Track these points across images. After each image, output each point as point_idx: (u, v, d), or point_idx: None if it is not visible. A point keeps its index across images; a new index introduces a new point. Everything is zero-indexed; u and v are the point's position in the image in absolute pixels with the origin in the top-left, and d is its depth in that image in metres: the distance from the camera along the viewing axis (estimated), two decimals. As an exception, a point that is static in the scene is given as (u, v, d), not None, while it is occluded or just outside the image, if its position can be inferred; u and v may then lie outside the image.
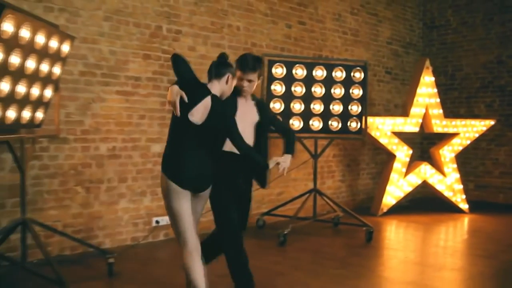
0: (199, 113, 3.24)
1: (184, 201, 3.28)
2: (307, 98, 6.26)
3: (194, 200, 3.41)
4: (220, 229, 3.70)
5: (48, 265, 4.11)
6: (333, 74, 6.36)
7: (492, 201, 9.10)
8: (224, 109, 3.39)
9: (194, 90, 3.29)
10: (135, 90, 5.67)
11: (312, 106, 6.30)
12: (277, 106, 6.13)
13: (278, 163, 3.58)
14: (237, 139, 3.41)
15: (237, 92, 3.70)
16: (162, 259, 5.30)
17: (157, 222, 5.87)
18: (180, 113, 3.20)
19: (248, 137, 3.67)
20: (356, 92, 6.47)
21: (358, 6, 8.52)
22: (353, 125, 6.50)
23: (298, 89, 6.23)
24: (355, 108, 6.49)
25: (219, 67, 3.45)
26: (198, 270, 3.34)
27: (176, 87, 3.24)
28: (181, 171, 3.26)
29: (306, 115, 6.27)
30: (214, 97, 3.34)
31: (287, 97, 6.17)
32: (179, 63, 3.48)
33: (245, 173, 3.79)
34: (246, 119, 3.71)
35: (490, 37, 9.26)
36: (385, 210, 7.82)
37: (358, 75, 6.47)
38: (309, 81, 6.27)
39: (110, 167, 5.50)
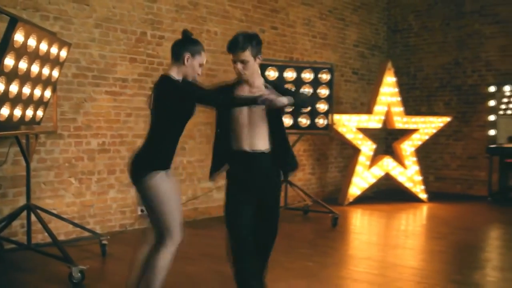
0: (151, 100, 3.20)
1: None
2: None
3: None
4: (229, 252, 3.37)
5: (50, 246, 4.66)
6: (302, 75, 7.00)
7: (450, 192, 9.87)
8: (173, 86, 3.12)
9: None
10: (122, 91, 6.22)
11: (283, 104, 6.92)
12: (251, 104, 6.74)
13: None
14: (206, 98, 3.21)
15: (239, 80, 3.40)
16: (135, 243, 5.87)
17: (142, 210, 6.43)
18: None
19: (257, 129, 3.32)
20: (323, 91, 7.12)
21: (326, 12, 9.18)
22: (321, 122, 7.14)
23: (271, 89, 6.85)
24: (322, 106, 7.13)
25: (175, 47, 3.20)
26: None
27: None
28: None
29: (278, 112, 6.89)
30: (162, 79, 3.17)
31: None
32: None
33: (267, 177, 3.36)
34: (245, 108, 3.33)
35: (448, 40, 10.01)
36: (351, 200, 8.50)
37: (325, 76, 7.11)
38: (280, 81, 6.89)
39: (100, 160, 6.05)
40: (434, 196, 9.11)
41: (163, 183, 3.19)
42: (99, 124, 6.02)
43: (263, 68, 6.76)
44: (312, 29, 8.88)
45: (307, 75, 7.03)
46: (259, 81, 3.39)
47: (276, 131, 3.37)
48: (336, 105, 8.11)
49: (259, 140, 3.34)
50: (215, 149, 3.57)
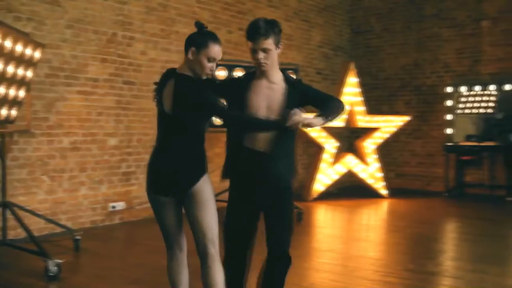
0: (166, 100, 2.86)
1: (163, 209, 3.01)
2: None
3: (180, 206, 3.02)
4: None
5: (23, 242, 4.81)
6: (269, 76, 7.26)
7: (410, 188, 10.29)
8: (194, 86, 2.81)
9: (162, 78, 2.96)
10: (93, 90, 6.38)
11: (250, 104, 7.18)
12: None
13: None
14: (226, 116, 2.89)
15: (256, 72, 3.03)
16: (119, 238, 6.07)
17: (113, 207, 6.59)
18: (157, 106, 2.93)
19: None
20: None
21: (292, 14, 9.46)
22: (286, 120, 7.41)
23: (238, 89, 7.10)
24: (288, 106, 7.41)
25: (186, 41, 2.89)
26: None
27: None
28: (148, 172, 2.98)
29: (245, 112, 7.14)
30: (178, 77, 2.86)
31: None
32: None
33: (273, 180, 3.04)
34: (265, 104, 2.97)
35: (408, 42, 10.43)
36: (315, 196, 8.81)
37: (291, 77, 7.39)
38: (247, 82, 7.13)
39: (72, 158, 6.19)
40: (395, 192, 9.50)
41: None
42: (71, 123, 6.16)
43: (230, 68, 7.00)
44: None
45: (273, 76, 7.29)
46: (278, 76, 3.05)
47: (283, 140, 3.01)
48: (301, 104, 8.38)
49: (268, 141, 2.99)
50: (229, 147, 3.17)
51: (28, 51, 4.83)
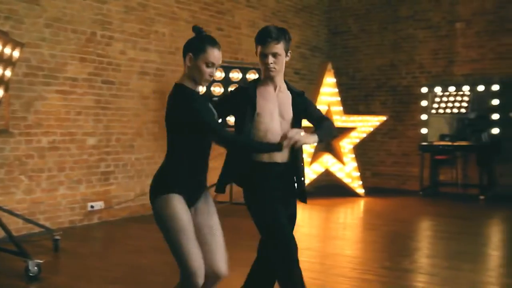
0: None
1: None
2: (225, 97, 7.19)
3: None
4: (268, 241, 3.15)
5: (3, 243, 4.79)
6: (247, 75, 7.33)
7: (386, 187, 10.46)
8: (185, 99, 2.67)
9: None
10: (72, 90, 6.36)
11: (229, 104, 7.23)
12: (199, 104, 7.01)
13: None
14: (221, 135, 2.73)
15: (263, 78, 3.03)
16: (98, 238, 6.07)
17: (91, 207, 6.58)
18: None
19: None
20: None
21: (270, 14, 9.53)
22: (265, 120, 7.49)
23: (217, 89, 7.14)
24: (266, 106, 7.48)
25: (183, 48, 2.78)
26: None
27: None
28: None
29: (224, 112, 7.19)
30: (174, 87, 2.75)
31: (209, 96, 7.07)
32: None
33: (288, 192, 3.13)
34: (277, 111, 2.99)
35: (384, 43, 10.59)
36: (293, 195, 8.89)
37: (269, 77, 7.46)
38: (226, 82, 7.19)
39: (50, 158, 6.17)
40: (371, 191, 9.64)
41: (172, 207, 2.67)
42: (49, 122, 6.13)
43: (210, 68, 7.03)
44: (257, 30, 9.14)
45: (252, 76, 7.36)
46: (283, 84, 3.07)
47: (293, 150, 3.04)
48: (279, 104, 8.46)
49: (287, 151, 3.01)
50: (230, 158, 3.15)
51: (7, 50, 4.81)
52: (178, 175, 2.71)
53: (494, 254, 5.64)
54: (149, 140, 7.29)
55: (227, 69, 7.19)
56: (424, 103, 9.85)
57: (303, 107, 3.09)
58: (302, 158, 3.17)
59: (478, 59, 9.52)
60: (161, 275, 4.48)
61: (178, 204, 2.65)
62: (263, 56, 2.92)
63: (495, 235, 6.79)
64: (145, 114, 7.21)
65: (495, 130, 9.09)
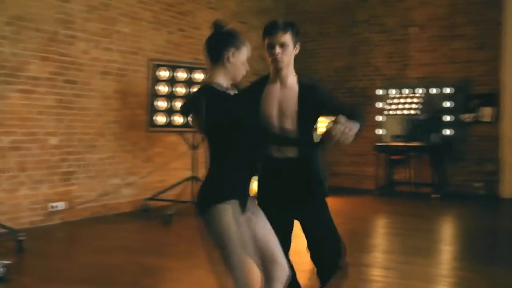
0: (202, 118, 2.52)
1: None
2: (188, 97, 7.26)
3: None
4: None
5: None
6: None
7: (343, 186, 10.71)
8: (220, 100, 2.49)
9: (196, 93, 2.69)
10: (34, 89, 6.29)
11: (192, 104, 7.29)
12: (161, 104, 7.05)
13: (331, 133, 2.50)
14: (265, 135, 2.67)
15: (269, 75, 2.92)
16: (62, 238, 6.04)
17: (53, 207, 6.52)
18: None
19: (292, 131, 2.81)
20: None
21: (230, 16, 9.63)
22: (227, 121, 7.59)
23: (180, 90, 7.20)
24: (228, 107, 7.58)
25: (211, 45, 2.60)
26: None
27: None
28: None
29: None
30: (208, 90, 2.53)
31: (171, 96, 7.12)
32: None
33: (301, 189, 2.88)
34: (276, 110, 2.84)
35: (341, 46, 10.86)
36: (252, 194, 9.01)
37: (231, 79, 7.57)
38: (189, 82, 7.26)
39: (12, 158, 6.09)
40: (331, 190, 9.85)
41: (229, 217, 2.49)
42: (11, 122, 6.06)
43: (172, 69, 7.09)
44: (217, 32, 9.28)
45: (215, 77, 7.44)
46: (292, 78, 2.90)
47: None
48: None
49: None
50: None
51: (-30, 49, 4.76)
52: (233, 181, 2.54)
53: (447, 249, 5.91)
54: (110, 140, 7.27)
55: (190, 70, 7.25)
56: (379, 104, 10.15)
57: (315, 100, 2.84)
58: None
59: (431, 63, 9.89)
60: (130, 275, 4.52)
61: (234, 213, 2.49)
62: (270, 47, 2.82)
63: (447, 231, 7.10)
64: (107, 114, 7.20)
65: (447, 132, 9.48)
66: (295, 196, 2.83)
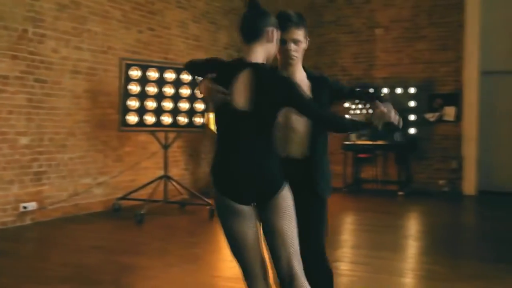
0: (241, 96, 2.43)
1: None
2: (159, 97, 7.28)
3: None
4: None
5: None
6: (181, 76, 7.45)
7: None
8: (280, 78, 2.50)
9: (226, 70, 2.53)
10: (3, 88, 6.22)
11: (163, 104, 7.33)
12: (133, 103, 7.05)
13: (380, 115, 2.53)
14: (323, 115, 2.54)
15: (282, 65, 2.79)
16: (35, 239, 6.00)
17: (24, 207, 6.46)
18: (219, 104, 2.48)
19: (300, 131, 2.73)
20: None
21: (199, 15, 9.68)
22: (198, 120, 7.65)
23: (151, 89, 7.22)
24: (199, 106, 7.65)
25: (254, 21, 2.49)
26: None
27: (204, 80, 2.55)
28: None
29: (158, 111, 7.28)
30: (256, 67, 2.46)
31: (142, 96, 7.13)
32: (193, 65, 2.75)
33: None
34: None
35: (309, 46, 10.93)
36: (223, 193, 9.09)
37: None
38: (161, 82, 7.28)
39: (-19, 158, 6.02)
40: (331, 192, 10.00)
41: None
42: (-20, 121, 5.99)
43: (143, 68, 7.09)
44: (187, 31, 9.34)
45: (186, 76, 7.49)
46: (301, 74, 2.82)
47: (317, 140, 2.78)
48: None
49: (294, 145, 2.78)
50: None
51: None
52: (279, 163, 2.53)
53: (414, 243, 6.12)
54: (81, 140, 7.23)
55: (161, 69, 7.27)
56: (346, 104, 10.35)
57: (329, 89, 2.80)
58: (326, 150, 2.88)
59: (396, 64, 10.15)
60: (109, 274, 4.55)
61: None
62: (283, 42, 2.67)
63: (413, 227, 7.33)
64: (78, 114, 7.16)
65: (412, 130, 9.75)
66: (297, 197, 2.61)
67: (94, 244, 5.58)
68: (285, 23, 2.65)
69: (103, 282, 4.31)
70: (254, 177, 2.44)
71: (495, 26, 9.55)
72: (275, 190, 2.46)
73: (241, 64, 2.48)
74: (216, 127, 2.59)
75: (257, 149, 2.46)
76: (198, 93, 7.46)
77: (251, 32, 2.49)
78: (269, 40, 2.51)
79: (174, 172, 9.05)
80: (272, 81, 2.45)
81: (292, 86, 2.46)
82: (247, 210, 2.51)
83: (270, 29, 2.50)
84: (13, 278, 4.39)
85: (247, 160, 2.44)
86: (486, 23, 9.50)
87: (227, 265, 4.98)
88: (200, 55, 9.60)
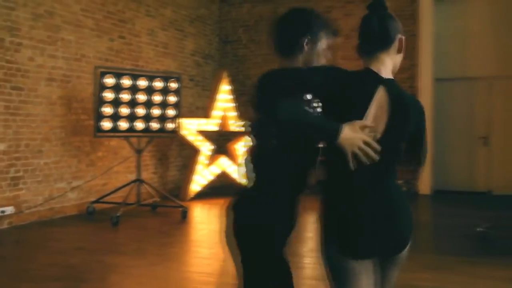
0: (379, 125, 1.97)
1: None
2: (132, 103, 7.54)
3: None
4: None
5: None
6: (154, 83, 7.73)
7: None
8: (419, 102, 2.15)
9: (358, 87, 2.02)
10: (-18, 96, 6.39)
11: (136, 110, 7.59)
12: (107, 110, 7.30)
13: None
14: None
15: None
16: (16, 242, 6.18)
17: (2, 212, 6.62)
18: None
19: None
20: (172, 99, 7.94)
21: (167, 23, 9.96)
22: (169, 126, 7.95)
23: (125, 96, 7.47)
24: (171, 112, 7.95)
25: (385, 26, 2.06)
26: None
27: (356, 122, 1.92)
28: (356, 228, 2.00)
29: (132, 117, 7.54)
30: (389, 84, 2.03)
31: (116, 102, 7.37)
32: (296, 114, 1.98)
33: None
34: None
35: (271, 53, 11.41)
36: (192, 195, 9.41)
37: (174, 85, 7.94)
38: (134, 89, 7.55)
39: (-39, 164, 6.17)
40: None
41: None
42: (-40, 128, 6.14)
43: (117, 76, 7.34)
44: (156, 39, 9.61)
45: (158, 84, 7.78)
46: None
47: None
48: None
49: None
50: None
51: None
52: None
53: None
54: (56, 145, 7.43)
55: (135, 77, 7.53)
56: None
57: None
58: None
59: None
60: (95, 273, 4.81)
61: None
62: (328, 48, 2.49)
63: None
64: (53, 120, 7.35)
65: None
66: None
67: (77, 245, 5.82)
68: (337, 32, 2.49)
69: (92, 280, 4.57)
70: (397, 220, 2.04)
71: (447, 36, 10.20)
72: (410, 236, 2.08)
73: (374, 79, 2.01)
74: (338, 165, 1.99)
75: (394, 187, 2.09)
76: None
77: (381, 38, 2.07)
78: (399, 50, 2.11)
79: (144, 175, 9.28)
80: (413, 104, 2.09)
81: (424, 112, 2.14)
82: (371, 267, 2.05)
83: (400, 36, 2.11)
84: (8, 278, 4.61)
85: (388, 201, 2.02)
86: (439, 33, 10.13)
87: (203, 262, 5.36)
88: (168, 62, 9.92)
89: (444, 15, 10.19)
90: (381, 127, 1.95)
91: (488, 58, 10.08)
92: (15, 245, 6.04)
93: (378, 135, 1.93)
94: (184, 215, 7.57)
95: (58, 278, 4.58)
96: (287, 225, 2.36)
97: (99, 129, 7.27)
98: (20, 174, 6.87)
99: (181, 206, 7.68)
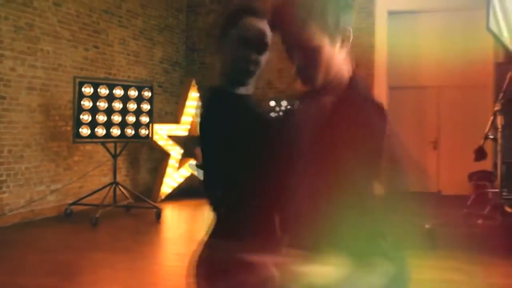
0: None
1: None
2: (109, 111, 8.01)
3: None
4: None
5: None
6: (129, 92, 8.22)
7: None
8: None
9: None
10: (-32, 104, 6.77)
11: (112, 117, 8.06)
12: (85, 117, 7.75)
13: None
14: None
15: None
16: (3, 242, 6.57)
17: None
18: None
19: None
20: (145, 106, 8.44)
21: (138, 33, 10.43)
22: (143, 132, 8.45)
23: (102, 104, 7.94)
24: (144, 119, 8.45)
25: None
26: None
27: None
28: None
29: (108, 124, 8.01)
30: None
31: (93, 110, 7.83)
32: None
33: None
34: None
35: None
36: (163, 197, 9.91)
37: (147, 94, 8.45)
38: (110, 97, 8.02)
39: (-51, 169, 6.53)
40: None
41: None
42: (-52, 135, 6.50)
43: (95, 86, 7.80)
44: (127, 48, 10.07)
45: (132, 92, 8.27)
46: None
47: None
48: (151, 116, 9.43)
49: None
50: None
51: None
52: None
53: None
54: (36, 151, 7.82)
55: (111, 86, 8.00)
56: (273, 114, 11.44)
57: None
58: None
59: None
60: (87, 268, 5.31)
61: None
62: None
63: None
64: (33, 127, 7.75)
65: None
66: None
67: (63, 244, 6.28)
68: None
69: (83, 274, 5.07)
70: None
71: (400, 48, 11.01)
72: None
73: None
74: None
75: None
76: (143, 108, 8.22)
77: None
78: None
79: (117, 178, 9.76)
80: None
81: None
82: None
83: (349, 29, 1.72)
84: (3, 274, 5.05)
85: None
86: (392, 45, 10.93)
87: (177, 258, 5.89)
88: (139, 70, 10.40)
89: (396, 30, 10.99)
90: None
91: (437, 69, 10.94)
92: (5, 245, 6.42)
93: None
94: (158, 216, 8.07)
95: (52, 273, 5.05)
96: None
97: (78, 135, 7.71)
98: (3, 178, 7.26)
99: (155, 207, 8.19)
